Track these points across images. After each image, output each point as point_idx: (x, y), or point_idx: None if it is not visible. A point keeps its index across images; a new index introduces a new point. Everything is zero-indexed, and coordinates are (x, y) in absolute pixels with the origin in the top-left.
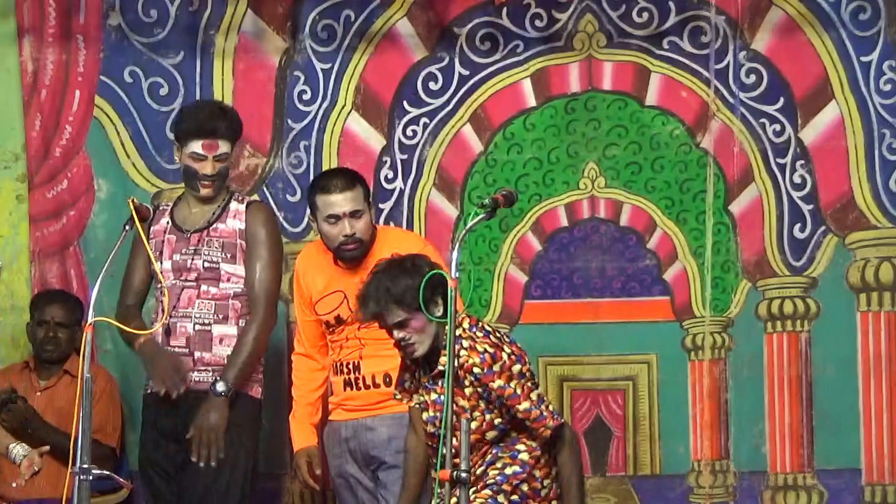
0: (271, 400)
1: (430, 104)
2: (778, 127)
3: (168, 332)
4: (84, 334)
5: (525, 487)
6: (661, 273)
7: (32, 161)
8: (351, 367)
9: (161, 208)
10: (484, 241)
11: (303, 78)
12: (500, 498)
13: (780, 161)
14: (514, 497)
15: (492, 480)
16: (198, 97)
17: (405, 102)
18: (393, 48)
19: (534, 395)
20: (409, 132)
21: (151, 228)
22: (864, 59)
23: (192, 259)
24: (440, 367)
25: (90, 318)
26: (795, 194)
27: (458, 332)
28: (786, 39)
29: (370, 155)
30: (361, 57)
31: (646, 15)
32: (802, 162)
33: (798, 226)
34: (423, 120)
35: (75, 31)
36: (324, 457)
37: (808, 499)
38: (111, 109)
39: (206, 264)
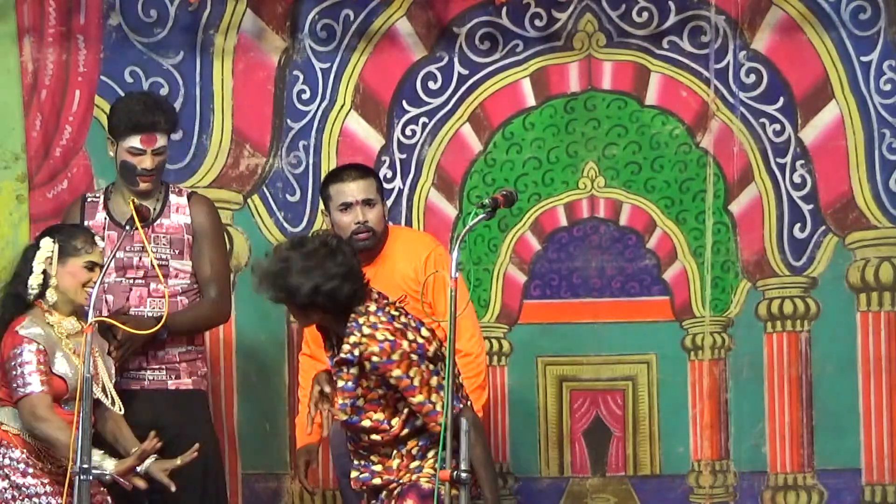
0: (271, 400)
1: (430, 104)
2: (778, 127)
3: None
4: (84, 335)
5: None
6: (660, 273)
7: (33, 161)
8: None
9: (89, 200)
10: (483, 240)
11: (302, 77)
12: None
13: (780, 161)
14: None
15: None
16: (198, 97)
17: (404, 102)
18: (392, 48)
19: (433, 382)
20: (408, 132)
21: (86, 224)
22: (864, 58)
23: (140, 257)
24: (342, 355)
25: (90, 318)
26: (795, 194)
27: (361, 318)
28: (786, 39)
29: (369, 154)
30: (361, 56)
31: (645, 14)
32: (802, 162)
33: (798, 226)
34: (423, 119)
35: (75, 31)
36: (328, 457)
37: (808, 499)
38: None
39: (155, 262)
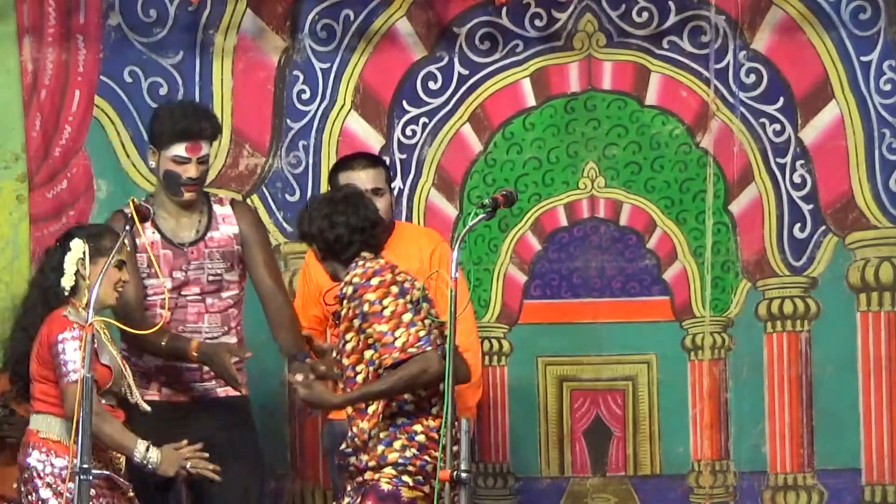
0: (272, 400)
1: (430, 104)
2: (778, 127)
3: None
4: (84, 334)
5: (429, 468)
6: (660, 273)
7: (32, 161)
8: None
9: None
10: (483, 240)
11: (302, 77)
12: (405, 477)
13: (780, 161)
14: (419, 477)
15: (394, 461)
16: (197, 97)
17: (404, 102)
18: (392, 48)
19: (405, 318)
20: (408, 132)
21: (137, 242)
22: (864, 58)
23: (195, 274)
24: (336, 291)
25: (90, 318)
26: (795, 194)
27: (360, 261)
28: (786, 39)
29: None
30: (361, 56)
31: (645, 14)
32: (802, 162)
33: (798, 226)
34: (423, 119)
35: (75, 31)
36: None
37: (808, 499)
38: (111, 109)
39: (211, 277)
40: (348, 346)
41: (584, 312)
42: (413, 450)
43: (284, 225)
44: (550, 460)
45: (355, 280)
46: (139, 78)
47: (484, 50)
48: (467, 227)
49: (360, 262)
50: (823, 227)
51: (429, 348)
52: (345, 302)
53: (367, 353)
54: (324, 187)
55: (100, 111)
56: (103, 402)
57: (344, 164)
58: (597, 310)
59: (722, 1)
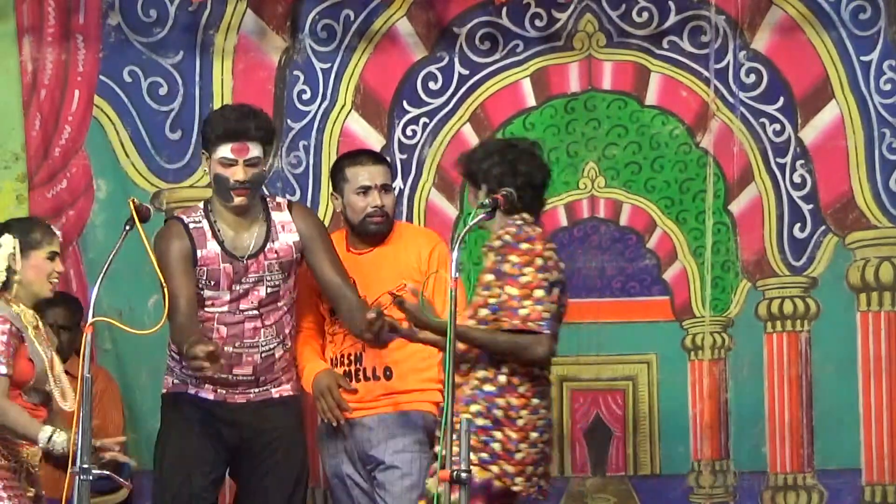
0: None
1: (430, 104)
2: (778, 126)
3: (233, 362)
4: (84, 334)
5: (499, 413)
6: (660, 273)
7: (32, 161)
8: (352, 358)
9: (193, 226)
10: (484, 241)
11: (302, 77)
12: (479, 420)
13: (780, 161)
14: (483, 455)
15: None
16: (197, 97)
17: (405, 102)
18: (392, 48)
19: (537, 293)
20: (408, 132)
21: (198, 254)
22: (864, 58)
23: (255, 288)
24: (487, 242)
25: (90, 318)
26: (795, 194)
27: (519, 221)
28: (786, 39)
29: None
30: (361, 57)
31: (645, 14)
32: (802, 161)
33: (798, 225)
34: (423, 120)
35: (75, 31)
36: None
37: (808, 499)
38: (111, 109)
39: (269, 290)
40: (471, 298)
41: (584, 312)
42: (487, 422)
43: None
44: None
45: (506, 238)
46: (139, 78)
47: (484, 50)
48: (467, 226)
49: (518, 222)
50: (823, 227)
51: (547, 331)
52: (490, 254)
53: (482, 312)
54: (324, 187)
55: (99, 111)
56: (25, 398)
57: (351, 158)
58: (597, 310)
59: (722, 1)
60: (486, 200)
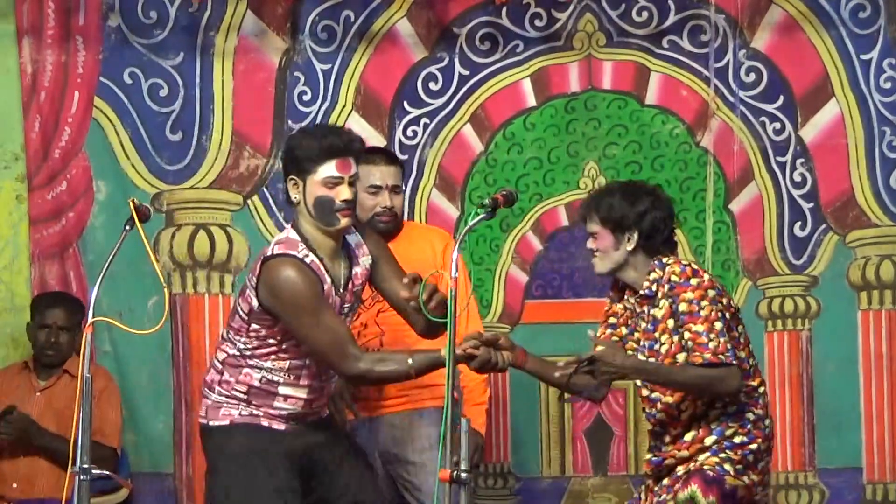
0: None
1: (431, 104)
2: (778, 125)
3: (316, 396)
4: (83, 335)
5: (750, 458)
6: None
7: (32, 163)
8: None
9: (309, 262)
10: (485, 240)
11: (303, 79)
12: (727, 466)
13: (780, 159)
14: (739, 466)
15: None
16: (198, 98)
17: (405, 103)
18: (393, 48)
19: (717, 325)
20: (409, 132)
21: (324, 288)
22: (863, 56)
23: (348, 317)
24: (642, 291)
25: (90, 319)
26: (795, 192)
27: (665, 259)
28: (785, 38)
29: None
30: (361, 57)
31: (645, 14)
32: (802, 160)
33: (798, 224)
34: (424, 120)
35: (74, 32)
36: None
37: (809, 498)
38: (111, 111)
39: (349, 321)
40: (663, 349)
41: (585, 312)
42: (742, 437)
43: (285, 226)
44: (551, 460)
45: (673, 278)
46: (139, 79)
47: (484, 50)
48: (468, 226)
49: (670, 261)
50: (824, 226)
51: (734, 362)
52: (661, 301)
53: (680, 357)
54: None
55: (99, 112)
56: None
57: (363, 158)
58: (598, 309)
59: (722, 0)
60: (487, 200)
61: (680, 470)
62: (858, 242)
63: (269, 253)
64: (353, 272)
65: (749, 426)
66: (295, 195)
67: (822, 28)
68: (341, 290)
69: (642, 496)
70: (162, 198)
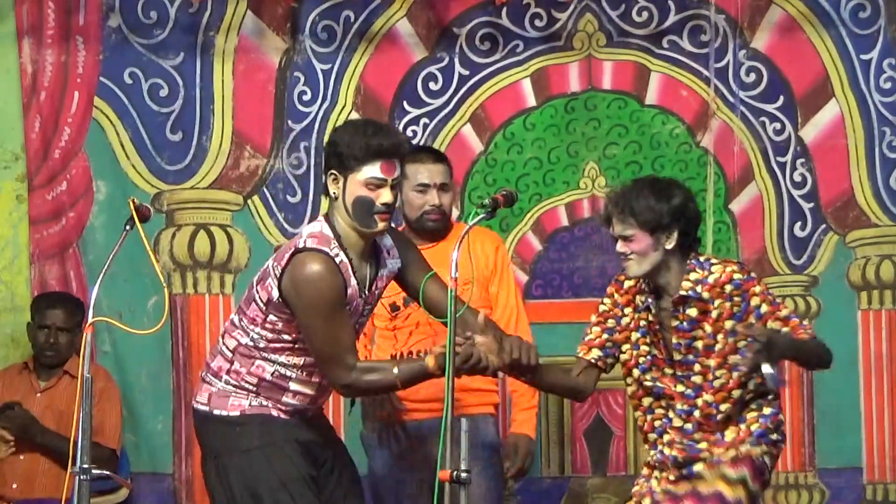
0: None
1: (430, 104)
2: (778, 125)
3: (322, 393)
4: (83, 335)
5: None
6: None
7: (32, 163)
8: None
9: (339, 261)
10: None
11: (303, 79)
12: (767, 458)
13: (781, 159)
14: (774, 436)
15: (759, 429)
16: (198, 98)
17: (405, 103)
18: (393, 48)
19: (790, 306)
20: (409, 132)
21: (348, 291)
22: (863, 57)
23: (366, 322)
24: (682, 292)
25: (90, 319)
26: (796, 193)
27: (702, 258)
28: (786, 38)
29: None
30: (361, 57)
31: (645, 14)
32: (803, 160)
33: (798, 224)
34: (423, 120)
35: (75, 33)
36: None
37: (809, 497)
38: (111, 111)
39: (366, 321)
40: (717, 347)
41: (585, 312)
42: (777, 435)
43: (285, 226)
44: (551, 460)
45: (736, 276)
46: (139, 79)
47: (484, 50)
48: (468, 226)
49: (714, 260)
50: (824, 226)
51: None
52: (717, 301)
53: (732, 358)
54: None
55: (100, 113)
56: None
57: (413, 155)
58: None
59: (722, 0)
60: (486, 200)
61: (723, 454)
62: (858, 242)
63: (300, 245)
64: (379, 274)
65: (781, 426)
66: (334, 190)
67: (822, 28)
68: (366, 292)
69: (654, 485)
70: (162, 198)
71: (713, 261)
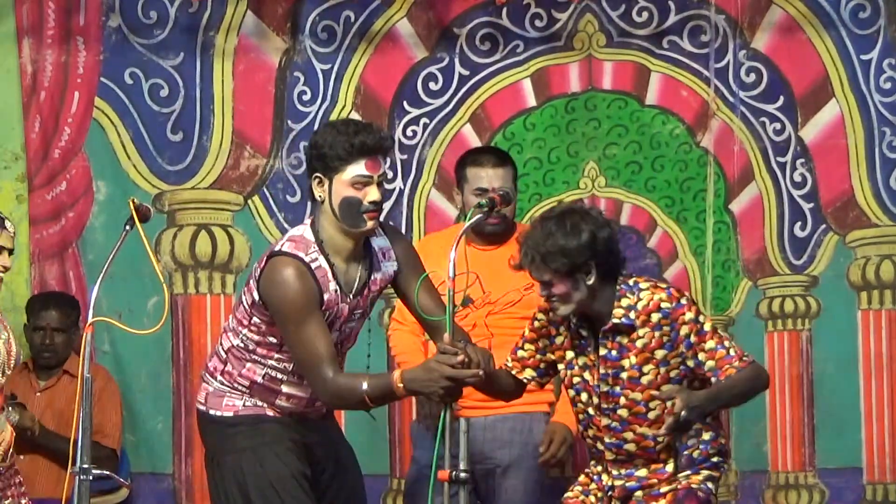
0: None
1: (430, 104)
2: (778, 125)
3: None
4: (84, 335)
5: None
6: (661, 272)
7: (32, 163)
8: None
9: (314, 266)
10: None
11: (303, 78)
12: (710, 484)
13: (781, 160)
14: (716, 458)
15: (700, 456)
16: (198, 98)
17: (405, 103)
18: (393, 48)
19: (721, 333)
20: (409, 132)
21: (324, 297)
22: (863, 57)
23: (353, 326)
24: (614, 320)
25: (90, 319)
26: (796, 193)
27: (631, 280)
28: (786, 38)
29: None
30: (361, 57)
31: (646, 14)
32: (803, 160)
33: (798, 224)
34: (423, 120)
35: (75, 33)
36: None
37: (809, 498)
38: (111, 111)
39: (359, 325)
40: (645, 380)
41: None
42: (719, 457)
43: (285, 226)
44: None
45: (664, 306)
46: (140, 79)
47: (484, 50)
48: (466, 226)
49: (643, 284)
50: (824, 226)
51: (754, 359)
52: (642, 330)
53: (665, 388)
54: None
55: (100, 113)
56: None
57: (472, 159)
58: None
59: (722, 0)
60: (484, 200)
61: (663, 488)
62: (858, 242)
63: (276, 248)
64: (372, 277)
65: (724, 448)
66: (319, 194)
67: (822, 28)
68: (351, 297)
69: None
70: (163, 198)
71: (642, 285)
